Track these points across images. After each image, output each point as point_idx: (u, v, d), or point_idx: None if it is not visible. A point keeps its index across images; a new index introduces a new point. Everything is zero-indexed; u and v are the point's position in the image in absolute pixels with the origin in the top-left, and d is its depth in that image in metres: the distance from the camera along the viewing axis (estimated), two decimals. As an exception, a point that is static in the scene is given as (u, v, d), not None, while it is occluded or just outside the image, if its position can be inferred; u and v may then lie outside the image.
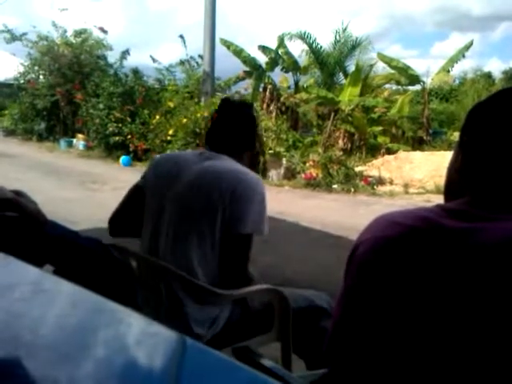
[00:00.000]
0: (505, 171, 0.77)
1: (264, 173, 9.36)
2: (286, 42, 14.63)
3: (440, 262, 0.73)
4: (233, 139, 1.76)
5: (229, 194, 1.59)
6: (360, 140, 12.86)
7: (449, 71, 14.50)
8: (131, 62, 15.31)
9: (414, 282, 0.75)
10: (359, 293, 0.81)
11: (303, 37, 14.52)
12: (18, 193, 0.99)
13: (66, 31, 15.34)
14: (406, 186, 9.04)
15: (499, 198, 0.77)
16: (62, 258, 1.26)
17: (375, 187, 8.98)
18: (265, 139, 10.05)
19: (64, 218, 3.05)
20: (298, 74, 15.38)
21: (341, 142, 12.61)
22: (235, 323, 1.67)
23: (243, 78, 15.57)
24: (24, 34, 15.17)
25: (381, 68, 15.76)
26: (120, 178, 8.26)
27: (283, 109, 14.39)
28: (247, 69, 15.09)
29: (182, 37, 13.19)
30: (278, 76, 15.76)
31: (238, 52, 14.56)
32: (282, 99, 14.49)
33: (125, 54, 14.54)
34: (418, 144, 13.63)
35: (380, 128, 13.41)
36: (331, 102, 13.06)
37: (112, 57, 15.12)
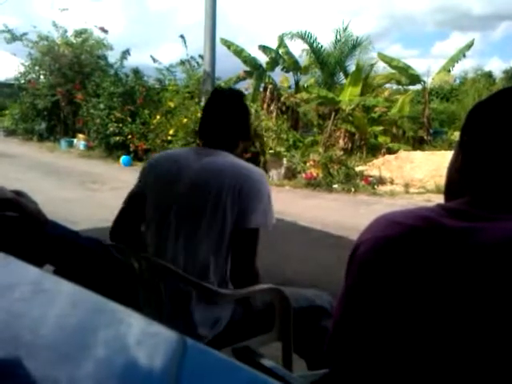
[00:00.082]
0: (505, 171, 0.77)
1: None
2: (287, 42, 14.66)
3: (440, 261, 0.73)
4: (226, 130, 1.74)
5: (236, 191, 1.60)
6: (360, 140, 12.85)
7: (449, 71, 14.50)
8: (132, 61, 15.37)
9: (414, 281, 0.75)
10: (360, 293, 0.81)
11: (304, 36, 14.52)
12: (18, 193, 0.99)
13: (66, 31, 15.36)
14: (406, 185, 9.04)
15: (499, 197, 0.77)
16: (63, 258, 1.26)
17: (376, 187, 8.98)
18: (265, 139, 10.05)
19: (64, 218, 3.05)
20: (299, 73, 15.38)
21: (341, 142, 12.60)
22: (237, 323, 1.68)
23: (244, 78, 15.57)
24: (24, 34, 15.20)
25: (381, 68, 15.77)
26: (120, 178, 8.27)
27: (284, 109, 14.39)
28: (248, 69, 15.09)
29: (182, 37, 13.20)
30: (279, 76, 15.79)
31: (239, 52, 14.56)
32: (282, 99, 14.49)
33: (125, 53, 14.54)
34: (418, 144, 13.62)
35: (380, 128, 13.40)
36: (332, 102, 13.06)
37: (112, 57, 15.16)
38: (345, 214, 6.63)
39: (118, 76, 13.52)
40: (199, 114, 10.76)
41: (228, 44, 14.48)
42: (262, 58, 14.86)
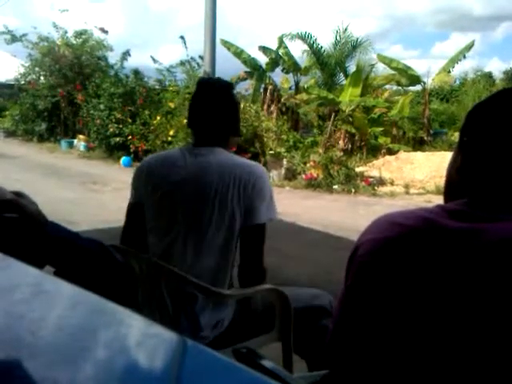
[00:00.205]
0: (504, 172, 0.77)
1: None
2: (287, 43, 14.67)
3: (440, 262, 0.73)
4: (216, 126, 1.70)
5: (242, 189, 1.60)
6: (361, 140, 12.86)
7: (449, 71, 14.51)
8: (132, 62, 15.35)
9: (414, 282, 0.75)
10: (360, 293, 0.81)
11: (304, 37, 14.53)
12: (18, 194, 0.99)
13: (66, 32, 15.37)
14: (406, 186, 9.05)
15: (499, 198, 0.77)
16: (63, 259, 1.26)
17: (376, 188, 8.98)
18: (265, 140, 10.06)
19: (64, 219, 3.06)
20: (299, 74, 15.39)
21: (341, 143, 12.61)
22: (238, 323, 1.68)
23: (244, 79, 15.58)
24: (24, 34, 15.22)
25: (381, 68, 15.78)
26: (121, 179, 8.26)
27: (284, 109, 14.41)
28: (248, 69, 15.10)
29: (182, 38, 13.24)
30: (279, 77, 15.80)
31: (239, 53, 14.58)
32: (282, 100, 14.51)
33: (125, 54, 14.56)
34: (418, 144, 13.64)
35: (381, 128, 13.41)
36: (332, 103, 13.06)
37: (113, 58, 15.18)
38: (345, 215, 6.64)
39: (119, 77, 13.52)
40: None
41: (228, 45, 14.49)
42: (262, 59, 14.90)
